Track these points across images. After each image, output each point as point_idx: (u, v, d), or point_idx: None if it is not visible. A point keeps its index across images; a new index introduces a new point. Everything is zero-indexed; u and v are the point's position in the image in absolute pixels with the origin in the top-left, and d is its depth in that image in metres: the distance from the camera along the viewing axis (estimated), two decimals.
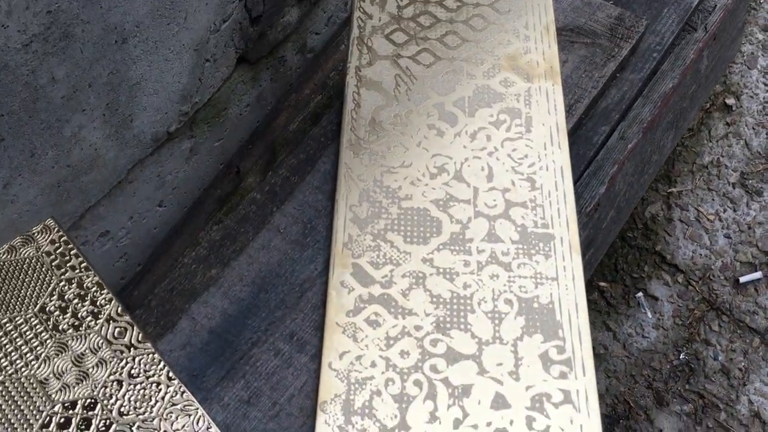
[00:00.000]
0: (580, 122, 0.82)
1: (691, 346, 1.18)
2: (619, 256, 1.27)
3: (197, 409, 0.58)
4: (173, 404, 0.59)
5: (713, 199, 1.27)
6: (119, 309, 0.63)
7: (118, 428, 0.57)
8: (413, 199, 0.71)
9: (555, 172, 0.74)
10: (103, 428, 0.57)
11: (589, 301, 1.24)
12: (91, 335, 0.61)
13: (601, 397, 1.19)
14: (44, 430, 0.57)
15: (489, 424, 0.59)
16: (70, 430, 0.57)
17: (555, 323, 0.65)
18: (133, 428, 0.57)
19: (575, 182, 0.78)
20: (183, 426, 0.58)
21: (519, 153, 0.75)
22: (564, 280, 0.67)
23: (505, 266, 0.68)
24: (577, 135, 0.82)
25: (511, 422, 0.60)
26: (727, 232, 1.24)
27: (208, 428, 0.58)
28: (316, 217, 0.71)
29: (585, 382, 0.62)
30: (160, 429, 0.57)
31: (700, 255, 1.24)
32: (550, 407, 0.60)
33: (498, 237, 0.70)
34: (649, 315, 1.20)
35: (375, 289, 0.66)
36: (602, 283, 1.25)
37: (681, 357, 1.18)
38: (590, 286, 1.25)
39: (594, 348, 1.22)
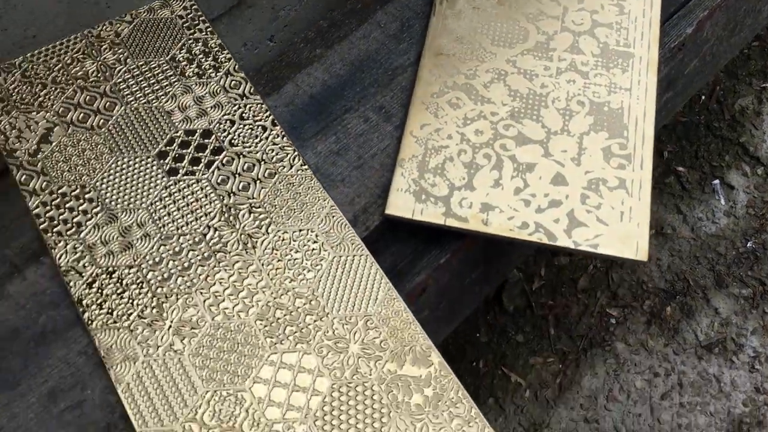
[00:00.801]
0: None
1: (760, 237, 1.20)
2: (701, 144, 1.28)
3: (294, 149, 0.68)
4: (274, 144, 0.68)
5: None
6: (236, 67, 0.72)
7: (227, 154, 0.68)
8: (504, 5, 0.77)
9: (644, 1, 0.78)
10: (216, 152, 0.68)
11: (664, 184, 1.28)
12: (212, 83, 0.71)
13: (661, 273, 1.23)
14: (168, 147, 0.68)
15: (546, 195, 0.66)
16: (189, 150, 0.68)
17: (621, 125, 0.70)
18: (240, 156, 0.67)
19: (664, 22, 0.81)
20: (281, 159, 0.67)
21: None
22: (637, 92, 0.72)
23: (583, 74, 0.73)
24: None
25: (567, 196, 0.66)
26: None
27: (302, 165, 0.67)
28: (414, 18, 0.78)
29: (641, 174, 0.67)
30: (262, 161, 0.67)
31: None
32: (604, 189, 0.66)
33: (580, 50, 0.75)
34: (723, 202, 1.22)
35: (459, 79, 0.73)
36: (680, 168, 1.27)
37: (748, 245, 1.20)
38: (667, 170, 1.28)
39: (661, 227, 1.25)
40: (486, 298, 1.27)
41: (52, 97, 0.70)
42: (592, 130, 0.70)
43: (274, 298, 0.61)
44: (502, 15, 0.77)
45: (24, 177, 0.66)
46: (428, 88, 0.72)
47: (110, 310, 0.61)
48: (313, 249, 0.63)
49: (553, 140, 0.69)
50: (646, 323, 1.22)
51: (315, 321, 0.60)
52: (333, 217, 0.65)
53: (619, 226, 0.65)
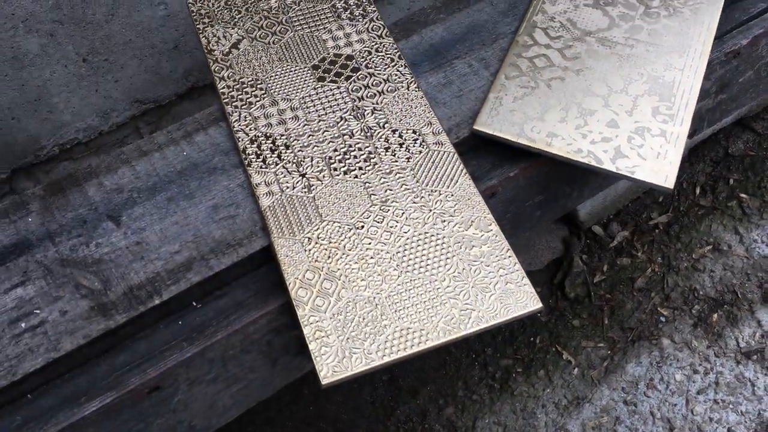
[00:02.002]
0: None
1: None
2: (765, 177, 1.41)
3: (412, 76, 0.90)
4: (398, 71, 0.91)
5: None
6: (378, 17, 0.96)
7: (362, 73, 0.91)
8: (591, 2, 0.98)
9: (704, 12, 0.96)
10: (354, 70, 0.91)
11: (726, 206, 1.41)
12: (358, 25, 0.95)
13: (713, 284, 1.35)
14: (320, 63, 0.92)
15: (600, 133, 0.85)
16: (335, 67, 0.91)
17: (671, 94, 0.88)
18: (371, 75, 0.90)
19: (721, 35, 0.99)
20: (401, 81, 0.89)
21: None
22: (688, 72, 0.90)
23: (646, 55, 0.92)
24: (735, 5, 1.02)
25: (617, 136, 0.84)
26: None
27: (416, 88, 0.89)
28: (520, 2, 0.99)
29: (680, 129, 0.85)
30: (387, 80, 0.90)
31: None
32: (648, 135, 0.84)
33: (648, 38, 0.94)
34: None
35: (547, 45, 0.93)
36: (743, 195, 1.40)
37: None
38: (731, 195, 1.41)
39: (718, 243, 1.38)
40: (551, 280, 1.43)
41: (244, 19, 0.96)
42: (646, 93, 0.88)
43: (381, 170, 0.82)
44: (590, 5, 0.97)
45: (217, 67, 0.92)
46: (521, 49, 0.93)
47: (264, 160, 0.83)
48: (415, 142, 0.84)
49: (613, 96, 0.88)
50: (692, 325, 1.34)
51: (408, 188, 0.81)
52: (433, 124, 0.86)
53: (654, 162, 0.82)
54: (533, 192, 0.91)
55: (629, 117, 0.86)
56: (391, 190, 0.81)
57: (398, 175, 0.82)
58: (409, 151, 0.84)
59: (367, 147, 0.84)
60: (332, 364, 0.69)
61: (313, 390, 1.47)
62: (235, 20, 0.96)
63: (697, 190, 1.45)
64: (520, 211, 0.92)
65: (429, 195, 0.80)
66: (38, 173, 1.19)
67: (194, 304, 0.77)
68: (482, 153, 0.88)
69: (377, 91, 0.89)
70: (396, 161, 0.83)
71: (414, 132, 0.85)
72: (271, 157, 0.84)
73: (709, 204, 1.43)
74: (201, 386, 0.76)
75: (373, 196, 0.80)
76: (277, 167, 0.83)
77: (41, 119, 1.10)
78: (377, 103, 0.88)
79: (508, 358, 1.42)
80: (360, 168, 0.83)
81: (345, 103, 0.88)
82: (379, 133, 0.85)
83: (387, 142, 0.85)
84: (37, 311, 0.73)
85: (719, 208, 1.42)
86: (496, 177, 0.86)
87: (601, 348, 1.38)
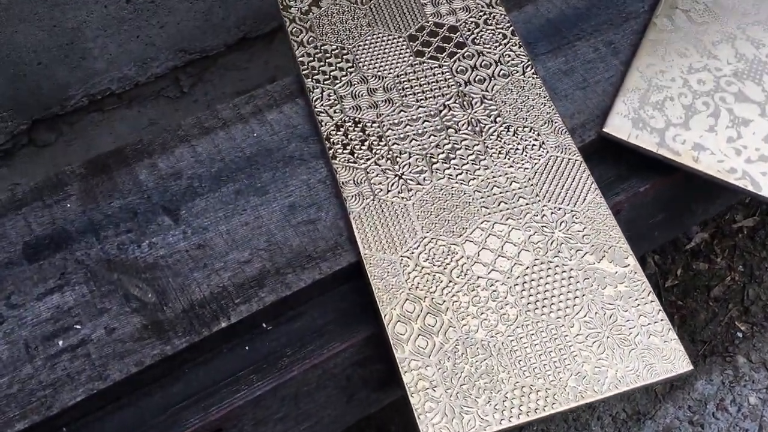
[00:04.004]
0: None
1: None
2: None
3: (528, 58, 0.75)
4: (511, 50, 0.75)
5: None
6: None
7: (468, 50, 0.75)
8: None
9: None
10: (459, 46, 0.75)
11: None
12: None
13: None
14: (418, 32, 0.76)
15: (758, 149, 0.70)
16: (436, 39, 0.76)
17: None
18: (480, 54, 0.75)
19: None
20: (516, 65, 0.74)
21: None
22: None
23: None
24: None
25: None
26: None
27: (533, 74, 0.74)
28: None
29: None
30: (498, 62, 0.74)
31: None
32: None
33: None
34: None
35: (690, 32, 0.77)
36: None
37: None
38: None
39: None
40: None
41: None
42: None
43: (493, 177, 0.68)
44: None
45: (294, 29, 0.76)
46: (660, 34, 0.77)
47: (351, 152, 0.69)
48: (534, 144, 0.70)
49: None
50: None
51: (526, 204, 0.67)
52: (554, 122, 0.71)
53: None
54: (656, 210, 0.77)
55: None
56: (506, 203, 0.67)
57: (514, 185, 0.68)
58: (526, 155, 0.69)
59: (476, 145, 0.70)
60: (439, 425, 0.57)
61: None
62: None
63: None
64: (641, 233, 0.78)
65: (552, 214, 0.66)
66: (62, 125, 1.04)
67: (264, 325, 0.64)
68: (607, 160, 0.74)
69: (487, 75, 0.74)
70: (510, 166, 0.69)
71: (532, 131, 0.71)
72: (360, 149, 0.69)
73: None
74: (267, 426, 0.63)
75: (484, 209, 0.66)
76: (368, 163, 0.68)
77: (71, 66, 0.94)
78: (487, 91, 0.73)
79: None
80: (467, 171, 0.68)
81: (448, 86, 0.73)
82: (490, 128, 0.71)
83: (500, 140, 0.70)
84: (78, 326, 0.60)
85: None
86: (623, 192, 0.72)
87: None
